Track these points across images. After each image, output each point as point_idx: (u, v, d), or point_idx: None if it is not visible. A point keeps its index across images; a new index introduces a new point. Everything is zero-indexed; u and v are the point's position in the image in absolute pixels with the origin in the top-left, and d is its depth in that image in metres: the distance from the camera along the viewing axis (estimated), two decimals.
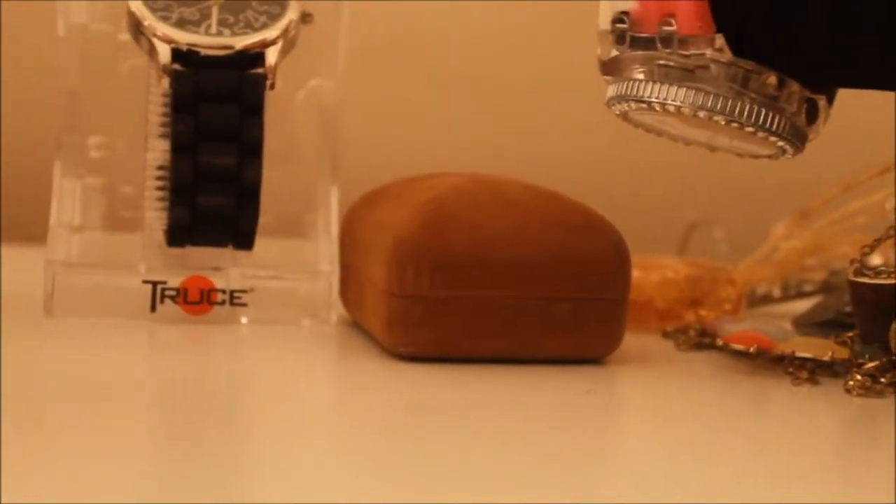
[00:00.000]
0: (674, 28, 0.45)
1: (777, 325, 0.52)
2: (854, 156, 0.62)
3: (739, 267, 0.60)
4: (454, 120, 0.80)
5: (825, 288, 0.61)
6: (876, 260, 0.56)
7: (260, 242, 0.52)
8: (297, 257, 0.53)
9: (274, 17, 0.52)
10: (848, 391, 0.46)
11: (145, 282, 0.51)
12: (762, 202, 0.72)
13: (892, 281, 0.49)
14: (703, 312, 0.56)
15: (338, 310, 0.53)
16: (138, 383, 0.45)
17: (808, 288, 0.61)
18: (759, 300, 0.61)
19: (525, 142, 0.80)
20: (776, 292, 0.61)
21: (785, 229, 0.61)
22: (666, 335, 0.54)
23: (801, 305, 0.58)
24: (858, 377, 0.47)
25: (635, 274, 0.54)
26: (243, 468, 0.37)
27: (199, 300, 0.51)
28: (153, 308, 0.51)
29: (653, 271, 0.56)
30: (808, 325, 0.55)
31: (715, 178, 0.76)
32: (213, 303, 0.51)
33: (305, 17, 0.53)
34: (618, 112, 0.48)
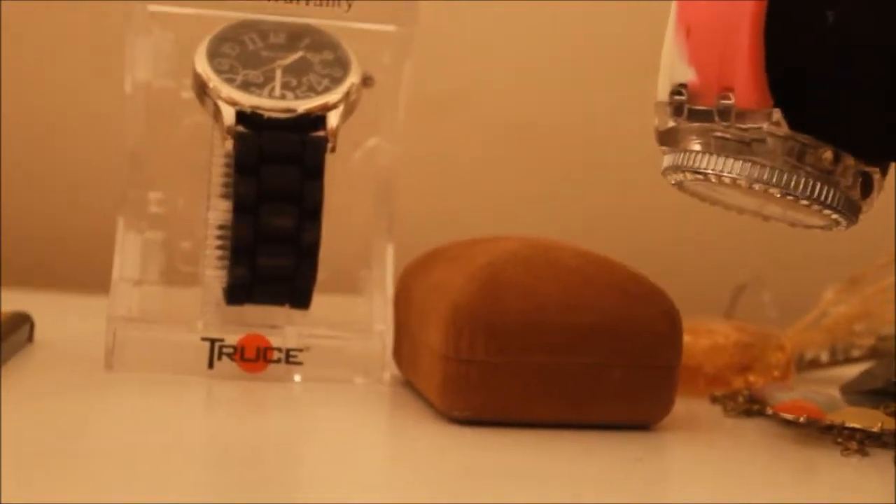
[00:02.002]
0: (732, 102, 0.45)
1: (826, 393, 0.53)
2: None
3: (788, 331, 0.60)
4: (508, 176, 0.80)
5: (873, 353, 0.61)
6: None
7: (315, 299, 0.53)
8: (351, 316, 0.54)
9: (336, 81, 0.53)
10: None
11: (204, 339, 0.52)
12: (810, 266, 0.73)
13: None
14: (752, 378, 0.56)
15: (391, 369, 0.53)
16: (195, 440, 0.46)
17: (855, 353, 0.61)
18: (806, 365, 0.61)
19: (576, 200, 0.81)
20: (824, 357, 0.62)
21: (834, 295, 0.61)
22: (714, 400, 0.55)
23: (849, 371, 0.58)
24: None
25: (685, 339, 0.54)
26: None
27: (255, 358, 0.52)
28: (211, 365, 0.52)
29: (702, 336, 0.57)
30: (857, 392, 0.55)
31: (764, 241, 0.76)
32: (269, 361, 0.52)
33: (367, 81, 0.54)
34: (673, 182, 0.48)
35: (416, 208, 0.67)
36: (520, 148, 0.80)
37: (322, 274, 0.53)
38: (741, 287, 0.66)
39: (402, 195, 0.56)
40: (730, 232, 0.77)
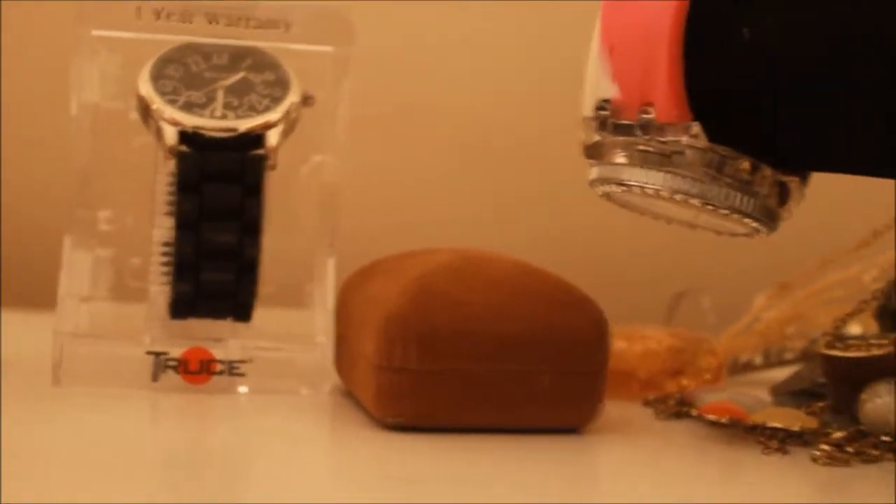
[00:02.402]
0: (652, 116, 0.47)
1: (753, 395, 0.54)
2: (836, 230, 0.64)
3: (721, 337, 0.62)
4: (449, 189, 0.82)
5: (805, 356, 0.63)
6: (854, 329, 0.58)
7: (259, 312, 0.54)
8: (294, 328, 0.55)
9: (276, 100, 0.54)
10: (814, 460, 0.48)
11: (148, 353, 0.53)
12: (749, 273, 0.74)
13: (862, 354, 0.52)
14: (684, 382, 0.58)
15: (333, 379, 0.55)
16: (140, 451, 0.47)
17: (788, 356, 0.63)
18: (741, 368, 0.63)
19: (519, 212, 0.82)
20: (757, 360, 0.63)
21: (766, 300, 0.63)
22: (647, 404, 0.57)
23: (782, 373, 0.60)
24: (825, 447, 0.49)
25: (620, 345, 0.56)
26: None
27: (199, 370, 0.53)
28: (155, 378, 0.53)
29: (636, 342, 0.58)
30: (786, 394, 0.57)
31: (703, 248, 0.78)
32: (212, 373, 0.53)
33: (307, 100, 0.55)
34: (601, 193, 0.50)
35: (360, 223, 0.68)
36: (463, 163, 0.81)
37: (268, 288, 0.55)
38: (680, 294, 0.67)
39: (345, 210, 0.57)
40: (671, 242, 0.78)
